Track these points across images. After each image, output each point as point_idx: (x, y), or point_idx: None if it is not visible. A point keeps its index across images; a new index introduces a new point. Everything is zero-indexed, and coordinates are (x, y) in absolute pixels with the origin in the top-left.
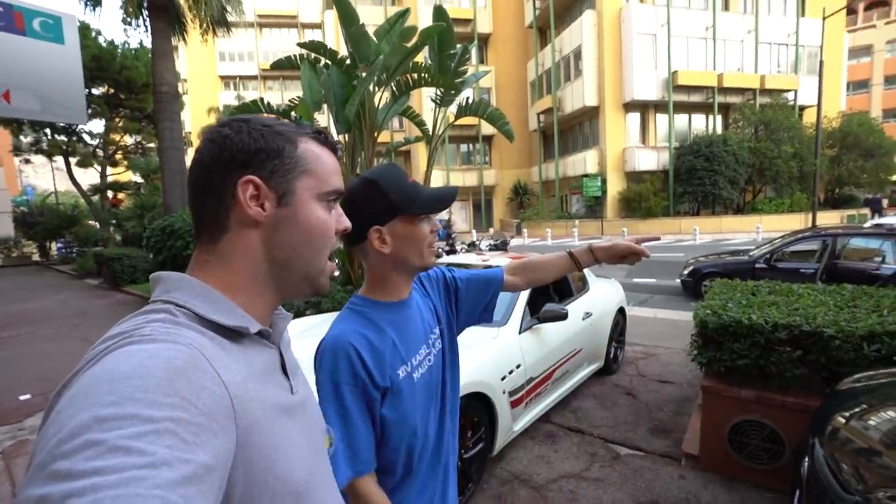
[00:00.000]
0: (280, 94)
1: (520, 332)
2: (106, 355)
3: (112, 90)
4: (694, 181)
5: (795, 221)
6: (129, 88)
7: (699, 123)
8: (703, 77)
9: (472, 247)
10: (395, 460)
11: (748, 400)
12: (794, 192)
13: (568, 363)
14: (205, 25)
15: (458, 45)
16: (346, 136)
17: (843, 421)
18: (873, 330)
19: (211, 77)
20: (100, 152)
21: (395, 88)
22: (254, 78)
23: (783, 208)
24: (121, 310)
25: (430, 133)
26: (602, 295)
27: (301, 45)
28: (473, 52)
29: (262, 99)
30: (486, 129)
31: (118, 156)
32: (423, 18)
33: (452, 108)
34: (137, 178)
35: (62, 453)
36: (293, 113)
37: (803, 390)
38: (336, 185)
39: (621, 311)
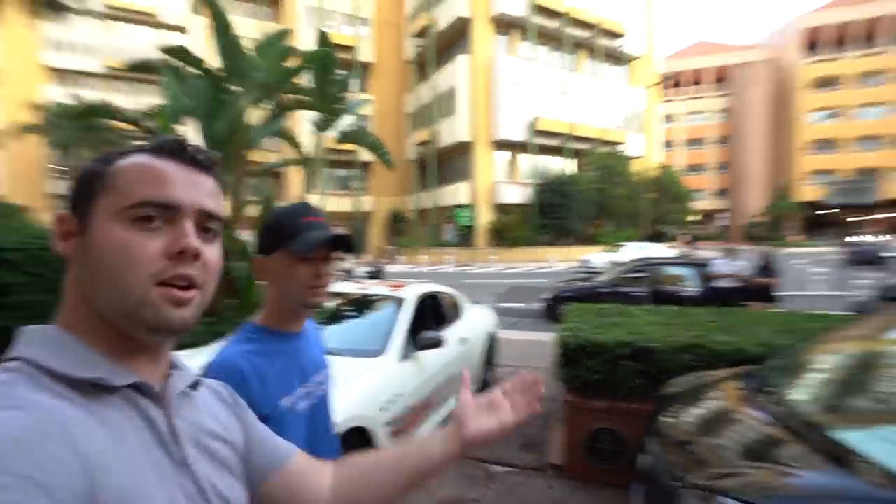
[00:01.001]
0: (131, 99)
1: (400, 361)
2: None
3: None
4: (552, 215)
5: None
6: None
7: (557, 164)
8: (559, 125)
9: (348, 274)
10: None
11: (601, 410)
12: (627, 227)
13: (447, 388)
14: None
15: (341, 72)
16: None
17: (665, 420)
18: (687, 342)
19: (30, 66)
20: None
21: (274, 108)
22: (95, 75)
23: (620, 239)
24: None
25: (309, 157)
26: (476, 320)
27: (165, 50)
28: (356, 79)
29: (105, 103)
30: (365, 155)
31: None
32: (303, 39)
33: (331, 133)
34: None
35: None
36: (152, 123)
37: (643, 398)
38: (146, 194)
39: (492, 334)
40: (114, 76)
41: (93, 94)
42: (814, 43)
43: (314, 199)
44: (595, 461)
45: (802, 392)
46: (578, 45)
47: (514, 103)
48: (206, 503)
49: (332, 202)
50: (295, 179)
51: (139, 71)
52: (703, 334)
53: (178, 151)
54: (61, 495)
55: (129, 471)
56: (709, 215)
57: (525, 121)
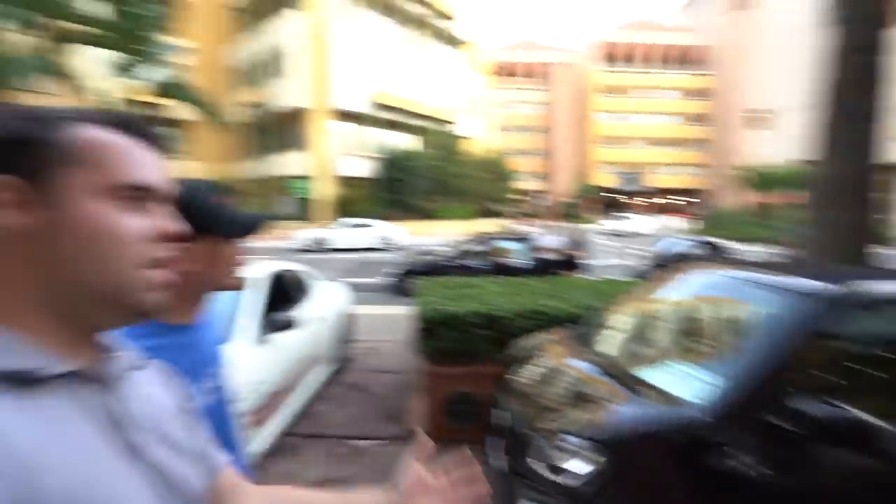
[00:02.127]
0: None
1: (253, 346)
2: None
3: None
4: (394, 190)
5: (465, 226)
6: None
7: (396, 139)
8: (399, 100)
9: None
10: None
11: (457, 376)
12: (463, 203)
13: (306, 370)
14: None
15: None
16: None
17: (512, 378)
18: (528, 309)
19: None
20: None
21: (48, 38)
22: None
23: (457, 215)
24: None
25: (103, 105)
26: (329, 297)
27: None
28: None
29: None
30: (182, 111)
31: None
32: None
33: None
34: None
35: None
36: None
37: (494, 362)
38: (136, 177)
39: (347, 311)
40: None
41: None
42: (611, 55)
43: None
44: (455, 423)
45: (610, 344)
46: (413, 21)
47: (353, 71)
48: (167, 488)
49: None
50: None
51: None
52: (539, 301)
53: (133, 127)
54: None
55: (74, 466)
56: (532, 195)
57: (365, 92)
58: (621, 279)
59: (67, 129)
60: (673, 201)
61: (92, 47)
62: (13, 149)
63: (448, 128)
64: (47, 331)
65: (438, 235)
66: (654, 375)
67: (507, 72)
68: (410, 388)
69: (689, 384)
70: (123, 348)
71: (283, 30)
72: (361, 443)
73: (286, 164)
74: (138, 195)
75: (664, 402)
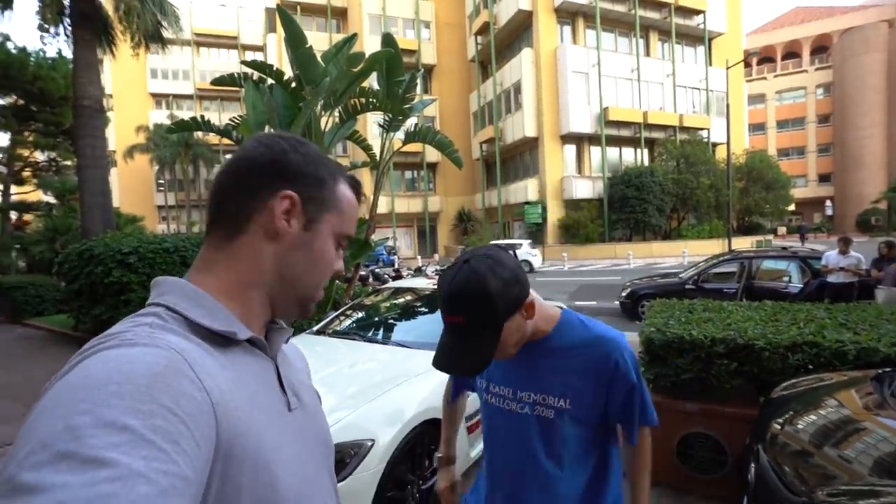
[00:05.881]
0: (217, 115)
1: None
2: (83, 360)
3: (22, 101)
4: (626, 209)
5: (715, 246)
6: (44, 100)
7: (629, 156)
8: (631, 114)
9: (419, 272)
10: None
11: (693, 413)
12: (712, 220)
13: None
14: (136, 39)
15: (406, 73)
16: None
17: (779, 427)
18: (795, 340)
19: (140, 94)
20: (2, 169)
21: (342, 112)
22: (188, 97)
23: (704, 234)
24: (21, 346)
25: (377, 158)
26: None
27: (245, 63)
28: (419, 81)
29: (202, 116)
30: (431, 156)
31: (26, 173)
32: (368, 47)
33: (399, 135)
34: (50, 199)
35: (30, 465)
36: (235, 132)
37: (740, 401)
38: (352, 231)
39: None
40: (202, 96)
41: (185, 113)
42: None
43: (383, 201)
44: (690, 469)
45: None
46: (650, 28)
47: (581, 94)
48: (305, 443)
49: (401, 203)
50: (366, 182)
51: (225, 85)
52: (817, 331)
53: (359, 190)
54: (194, 427)
55: (248, 410)
56: (810, 203)
57: (594, 112)
58: None
59: (338, 182)
60: None
61: (367, 113)
62: (311, 181)
63: (693, 135)
64: (248, 309)
65: (680, 257)
66: None
67: (767, 56)
68: None
69: None
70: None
71: (516, 68)
72: None
73: (520, 191)
74: (345, 242)
75: None
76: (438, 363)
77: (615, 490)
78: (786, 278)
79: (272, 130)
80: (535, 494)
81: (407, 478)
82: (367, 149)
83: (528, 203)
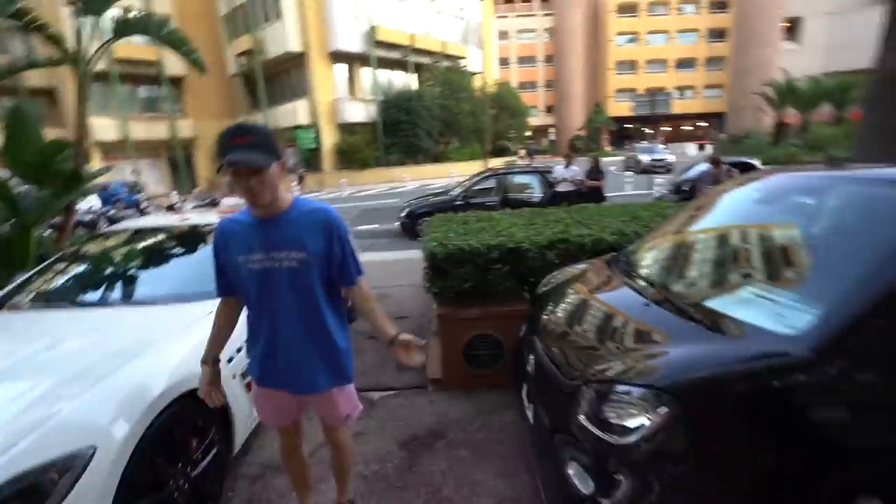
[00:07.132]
0: None
1: None
2: None
3: None
4: (399, 133)
5: (476, 167)
6: None
7: (398, 80)
8: (399, 36)
9: (172, 209)
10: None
11: (476, 318)
12: (472, 143)
13: None
14: None
15: None
16: None
17: (546, 318)
18: (551, 239)
19: None
20: None
21: None
22: None
23: (466, 156)
24: None
25: (75, 53)
26: None
27: None
28: None
29: None
30: (173, 67)
31: None
32: None
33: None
34: None
35: None
36: None
37: (511, 300)
38: None
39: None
40: None
41: None
42: None
43: (109, 124)
44: (474, 368)
45: (661, 272)
46: None
47: (347, 7)
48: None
49: (139, 127)
50: (68, 91)
51: None
52: (564, 230)
53: None
54: None
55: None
56: (539, 130)
57: (363, 29)
58: (664, 201)
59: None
60: (692, 127)
61: None
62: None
63: (454, 63)
64: None
65: (447, 177)
66: (724, 304)
67: None
68: (426, 333)
69: (774, 312)
70: None
71: None
72: (373, 394)
73: (289, 114)
74: None
75: (741, 334)
76: (228, 162)
77: (344, 320)
78: (530, 190)
79: None
80: (291, 331)
81: (167, 471)
82: (51, 38)
83: (299, 127)
